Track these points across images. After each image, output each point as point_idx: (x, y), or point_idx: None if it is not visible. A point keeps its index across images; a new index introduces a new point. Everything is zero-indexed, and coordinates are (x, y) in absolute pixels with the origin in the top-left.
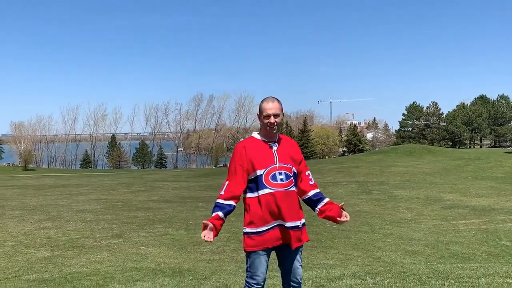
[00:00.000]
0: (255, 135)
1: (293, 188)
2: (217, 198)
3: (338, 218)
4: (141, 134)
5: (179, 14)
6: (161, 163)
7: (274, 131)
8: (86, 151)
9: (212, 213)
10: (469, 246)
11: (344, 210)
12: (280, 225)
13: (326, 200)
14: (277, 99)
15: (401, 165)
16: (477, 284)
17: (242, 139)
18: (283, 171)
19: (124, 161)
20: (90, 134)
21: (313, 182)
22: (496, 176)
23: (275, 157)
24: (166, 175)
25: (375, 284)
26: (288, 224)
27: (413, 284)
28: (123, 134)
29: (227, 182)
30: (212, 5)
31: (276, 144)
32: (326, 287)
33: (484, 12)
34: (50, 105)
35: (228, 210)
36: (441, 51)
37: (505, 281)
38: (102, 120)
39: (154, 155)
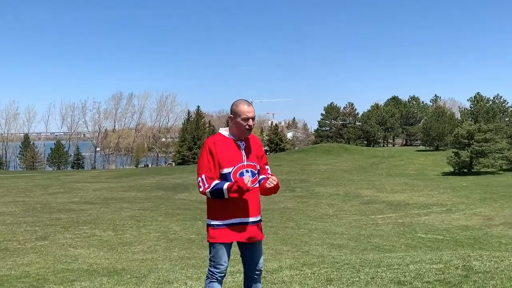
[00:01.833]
0: (223, 132)
1: (257, 185)
2: (206, 189)
3: (266, 185)
4: (56, 133)
5: (97, 7)
6: (78, 164)
7: (250, 134)
8: None
9: (223, 185)
10: (388, 238)
11: (271, 178)
12: (245, 220)
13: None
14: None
15: (321, 163)
16: (407, 270)
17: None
18: (249, 169)
19: (38, 162)
20: (1, 134)
21: (274, 176)
22: (409, 173)
23: (243, 156)
24: (85, 176)
25: (313, 273)
26: (252, 219)
27: (349, 272)
28: (37, 134)
29: (203, 175)
30: (128, 2)
31: (244, 143)
32: (268, 279)
33: (394, 14)
34: None
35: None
36: (356, 54)
37: (431, 266)
38: (14, 119)
39: (70, 155)
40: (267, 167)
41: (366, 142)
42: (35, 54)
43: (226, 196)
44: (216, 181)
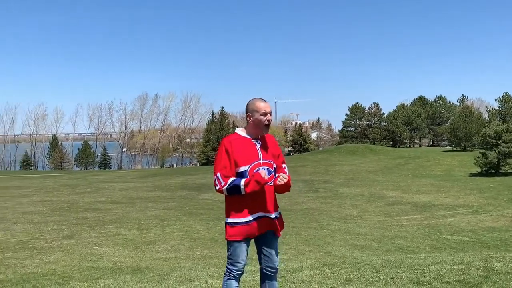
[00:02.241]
0: (240, 131)
1: (272, 183)
2: (223, 187)
3: (277, 182)
4: (84, 134)
5: (120, 10)
6: (105, 164)
7: (268, 130)
8: (26, 152)
9: (240, 181)
10: (413, 240)
11: (282, 175)
12: (262, 216)
13: None
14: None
15: (345, 164)
16: (428, 271)
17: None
18: (266, 167)
19: (66, 162)
20: (30, 134)
21: (288, 174)
22: (435, 173)
23: (259, 154)
24: (111, 176)
25: (333, 273)
26: (270, 215)
27: (369, 272)
28: (65, 135)
29: (218, 173)
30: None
31: (259, 141)
32: (288, 278)
33: (419, 14)
34: None
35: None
36: (381, 53)
37: (452, 267)
38: (42, 120)
39: (97, 155)
40: (284, 165)
41: (391, 143)
42: (63, 56)
43: (243, 192)
44: (233, 178)
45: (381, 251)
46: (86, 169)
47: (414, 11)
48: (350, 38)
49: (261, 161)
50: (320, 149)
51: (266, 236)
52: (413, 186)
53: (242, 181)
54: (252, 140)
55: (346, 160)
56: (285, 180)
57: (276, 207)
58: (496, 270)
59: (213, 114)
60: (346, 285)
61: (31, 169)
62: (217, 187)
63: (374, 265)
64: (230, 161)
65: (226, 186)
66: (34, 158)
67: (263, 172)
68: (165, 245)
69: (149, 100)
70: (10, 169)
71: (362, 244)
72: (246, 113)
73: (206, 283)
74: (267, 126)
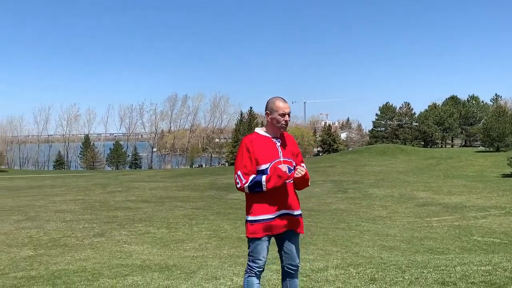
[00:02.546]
0: (259, 131)
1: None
2: (244, 185)
3: (295, 175)
4: (115, 134)
5: (151, 12)
6: (135, 164)
7: (286, 129)
8: (59, 152)
9: (261, 177)
10: (442, 241)
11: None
12: (284, 214)
13: None
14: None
15: (375, 165)
16: (454, 271)
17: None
18: (286, 165)
19: (98, 161)
20: (63, 135)
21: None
22: (467, 174)
23: (279, 152)
24: (142, 176)
25: (358, 273)
26: (291, 212)
27: (394, 273)
28: (97, 135)
29: (239, 171)
30: (184, 4)
31: (279, 140)
32: (313, 277)
33: (452, 13)
34: (21, 106)
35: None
36: (412, 52)
37: (479, 268)
38: (75, 121)
39: (128, 155)
40: (302, 164)
41: (423, 143)
42: (94, 57)
43: (264, 188)
44: (254, 175)
45: (409, 252)
46: (117, 169)
47: (445, 8)
48: (381, 36)
49: (282, 159)
50: (350, 149)
51: (287, 233)
52: (444, 187)
53: (264, 177)
54: (272, 139)
55: (376, 161)
56: (303, 173)
57: (297, 205)
58: None
59: (241, 115)
60: (370, 285)
61: (64, 169)
62: (238, 185)
63: (400, 265)
64: (251, 159)
65: (247, 184)
66: (67, 157)
67: (284, 167)
68: (193, 243)
69: (178, 101)
70: (44, 168)
71: (390, 245)
72: (266, 111)
73: (231, 281)
74: (285, 126)
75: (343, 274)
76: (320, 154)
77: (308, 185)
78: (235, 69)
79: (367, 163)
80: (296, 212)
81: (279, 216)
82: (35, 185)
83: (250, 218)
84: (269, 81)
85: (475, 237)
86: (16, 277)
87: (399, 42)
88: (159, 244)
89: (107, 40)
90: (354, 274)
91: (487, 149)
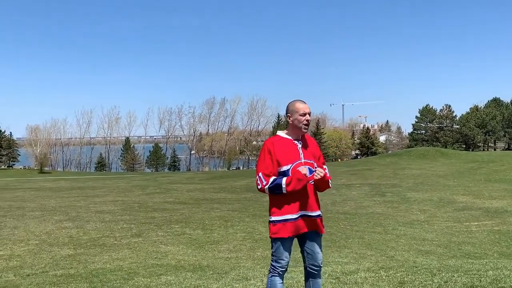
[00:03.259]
0: (281, 133)
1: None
2: (264, 186)
3: (314, 177)
4: (155, 137)
5: (192, 17)
6: (174, 166)
7: (307, 129)
8: (101, 154)
9: (282, 180)
10: (481, 246)
11: (318, 169)
12: (305, 215)
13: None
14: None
15: (415, 168)
16: (485, 276)
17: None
18: (307, 166)
19: (138, 163)
20: (104, 137)
21: (328, 174)
22: (510, 178)
23: (300, 154)
24: (180, 178)
25: (388, 276)
26: (312, 214)
27: (424, 276)
28: (137, 137)
29: (260, 173)
30: (221, 7)
31: (301, 142)
32: (342, 279)
33: (497, 14)
34: (64, 109)
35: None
36: (454, 53)
37: None
38: (116, 124)
39: (167, 157)
40: (324, 166)
41: (464, 146)
42: (134, 61)
43: (284, 191)
44: (274, 177)
45: (446, 256)
46: (157, 171)
47: (487, 10)
48: (421, 37)
49: (303, 161)
50: (389, 152)
51: (308, 234)
52: (485, 191)
53: (284, 180)
54: (294, 141)
55: (416, 164)
56: (322, 174)
57: (318, 206)
58: None
59: (278, 117)
60: None
61: (105, 170)
62: (259, 186)
63: (432, 269)
64: (272, 161)
65: (268, 185)
66: (108, 159)
67: (304, 169)
68: (227, 245)
69: (216, 104)
70: (86, 170)
71: (427, 250)
72: (286, 114)
73: (262, 282)
74: (306, 126)
75: (372, 277)
76: (359, 157)
77: (329, 187)
78: (272, 73)
79: (406, 166)
80: (316, 213)
81: (300, 217)
82: (77, 186)
83: (272, 218)
84: (306, 83)
85: None
86: (55, 275)
87: (440, 43)
88: (194, 245)
89: (147, 44)
90: (384, 277)
91: None
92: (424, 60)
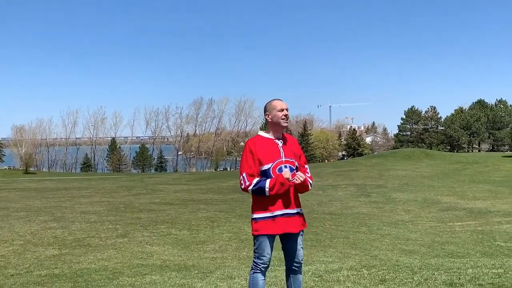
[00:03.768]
0: (262, 133)
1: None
2: (248, 187)
3: (293, 180)
4: (141, 137)
5: (178, 18)
6: (161, 167)
7: (287, 124)
8: (86, 155)
9: (265, 183)
10: (464, 246)
11: (298, 173)
12: (286, 213)
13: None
14: None
15: (400, 169)
16: (465, 274)
17: (247, 139)
18: (288, 165)
19: (124, 164)
20: (90, 137)
21: (309, 174)
22: (494, 179)
23: (281, 152)
24: (167, 179)
25: (370, 274)
26: (293, 211)
27: (405, 274)
28: (123, 138)
29: (244, 173)
30: (209, 8)
31: (281, 141)
32: (324, 277)
33: (481, 16)
34: (50, 109)
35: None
36: (439, 56)
37: (491, 271)
38: (101, 124)
39: (154, 158)
40: (306, 166)
41: (449, 148)
42: (120, 61)
43: (267, 194)
44: (257, 179)
45: (429, 256)
46: (143, 172)
47: (473, 12)
48: (407, 39)
49: (283, 159)
50: (375, 153)
51: (289, 232)
52: (469, 191)
53: (267, 184)
54: (274, 140)
55: (401, 165)
56: (301, 179)
57: (297, 204)
58: None
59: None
60: (379, 285)
61: (91, 171)
62: (243, 186)
63: (413, 267)
64: (254, 160)
65: (251, 187)
66: (94, 160)
67: (287, 174)
68: (213, 245)
69: (204, 104)
70: (71, 170)
71: (410, 249)
72: (265, 113)
73: (246, 280)
74: (285, 120)
75: (354, 275)
76: (345, 158)
77: (308, 190)
78: (260, 73)
79: (391, 167)
80: (297, 211)
81: (281, 215)
82: (62, 187)
83: (254, 216)
84: (294, 84)
85: (497, 242)
86: (40, 275)
87: (425, 45)
88: (180, 245)
89: (133, 44)
90: (366, 275)
91: None
92: (411, 63)
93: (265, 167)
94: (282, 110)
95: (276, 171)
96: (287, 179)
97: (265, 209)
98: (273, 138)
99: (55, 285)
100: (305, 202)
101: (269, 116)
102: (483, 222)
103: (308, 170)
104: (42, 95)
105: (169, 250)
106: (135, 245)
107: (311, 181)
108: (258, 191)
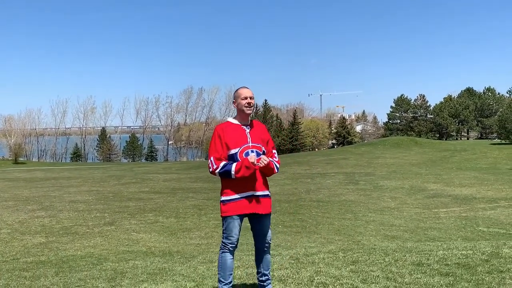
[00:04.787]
0: (230, 119)
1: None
2: (215, 170)
3: (259, 165)
4: (132, 127)
5: (167, 7)
6: (151, 156)
7: (250, 111)
8: (76, 145)
9: (231, 167)
10: (446, 231)
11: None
12: (253, 195)
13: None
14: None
15: (389, 157)
16: (435, 255)
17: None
18: (254, 150)
19: (114, 154)
20: (80, 127)
21: (277, 158)
22: (481, 167)
23: (248, 138)
24: (157, 168)
25: (345, 257)
26: (260, 193)
27: (378, 256)
28: (113, 128)
29: (212, 157)
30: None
31: (249, 127)
32: (301, 260)
33: (469, 4)
34: (39, 99)
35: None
36: (428, 44)
37: (460, 252)
38: (91, 114)
39: (144, 148)
40: (274, 151)
41: (438, 135)
42: (110, 51)
43: (233, 177)
44: (224, 162)
45: (411, 241)
46: (134, 161)
47: (460, 2)
48: (396, 28)
49: (250, 144)
50: (365, 142)
51: (257, 213)
52: (456, 179)
53: (233, 167)
54: (242, 126)
55: (390, 153)
56: (265, 163)
57: (266, 186)
58: (500, 255)
59: (256, 107)
60: (350, 265)
61: (81, 161)
62: (210, 169)
63: (387, 250)
64: (222, 145)
65: (218, 170)
66: (84, 150)
67: (252, 158)
68: (199, 232)
69: (194, 94)
70: (61, 160)
71: (393, 235)
72: (233, 101)
73: None
74: (248, 107)
75: (330, 257)
76: (335, 146)
77: (274, 172)
78: (250, 62)
79: (380, 155)
80: (264, 193)
81: (248, 197)
82: (52, 176)
83: (223, 198)
84: (285, 73)
85: (480, 228)
86: (26, 262)
87: (415, 34)
88: (167, 232)
89: (122, 33)
90: (340, 257)
91: (503, 141)
92: (401, 52)
93: (233, 151)
94: (246, 98)
95: (243, 155)
96: (252, 163)
97: (233, 192)
98: (241, 124)
99: (39, 271)
100: (294, 190)
101: (235, 104)
102: (467, 209)
103: (276, 155)
104: (31, 85)
105: (155, 237)
106: (121, 233)
107: (277, 165)
108: (225, 174)
